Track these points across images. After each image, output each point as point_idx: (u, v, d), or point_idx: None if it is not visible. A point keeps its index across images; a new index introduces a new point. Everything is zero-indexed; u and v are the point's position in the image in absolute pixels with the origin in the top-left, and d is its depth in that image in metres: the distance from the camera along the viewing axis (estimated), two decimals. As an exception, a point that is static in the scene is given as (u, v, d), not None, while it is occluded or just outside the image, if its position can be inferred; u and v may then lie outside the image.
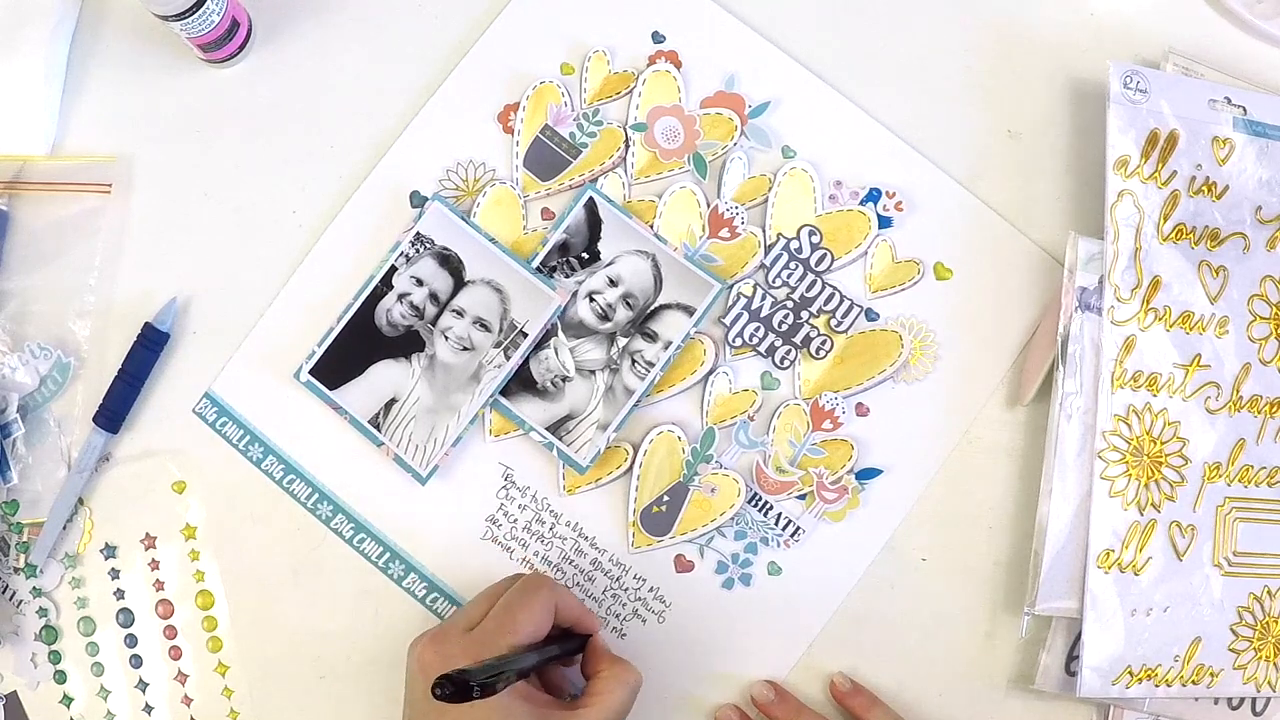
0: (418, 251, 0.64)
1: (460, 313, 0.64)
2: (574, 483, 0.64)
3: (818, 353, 0.64)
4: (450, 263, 0.64)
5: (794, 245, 0.65)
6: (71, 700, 0.63)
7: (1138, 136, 0.63)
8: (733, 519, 0.63)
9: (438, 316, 0.64)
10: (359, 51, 0.68)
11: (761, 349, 0.64)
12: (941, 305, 0.65)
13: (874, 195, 0.66)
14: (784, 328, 0.65)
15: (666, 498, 0.63)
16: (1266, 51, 0.69)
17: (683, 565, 0.64)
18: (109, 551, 0.64)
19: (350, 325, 0.64)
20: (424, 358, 0.64)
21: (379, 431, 0.63)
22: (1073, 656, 0.62)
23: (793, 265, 0.65)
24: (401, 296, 0.64)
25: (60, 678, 0.63)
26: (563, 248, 0.65)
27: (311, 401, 0.64)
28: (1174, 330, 0.63)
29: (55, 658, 0.63)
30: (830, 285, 0.65)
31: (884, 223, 0.65)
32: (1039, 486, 0.64)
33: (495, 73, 0.67)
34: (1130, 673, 0.61)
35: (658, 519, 0.63)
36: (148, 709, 0.63)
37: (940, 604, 0.64)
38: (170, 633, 0.63)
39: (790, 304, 0.65)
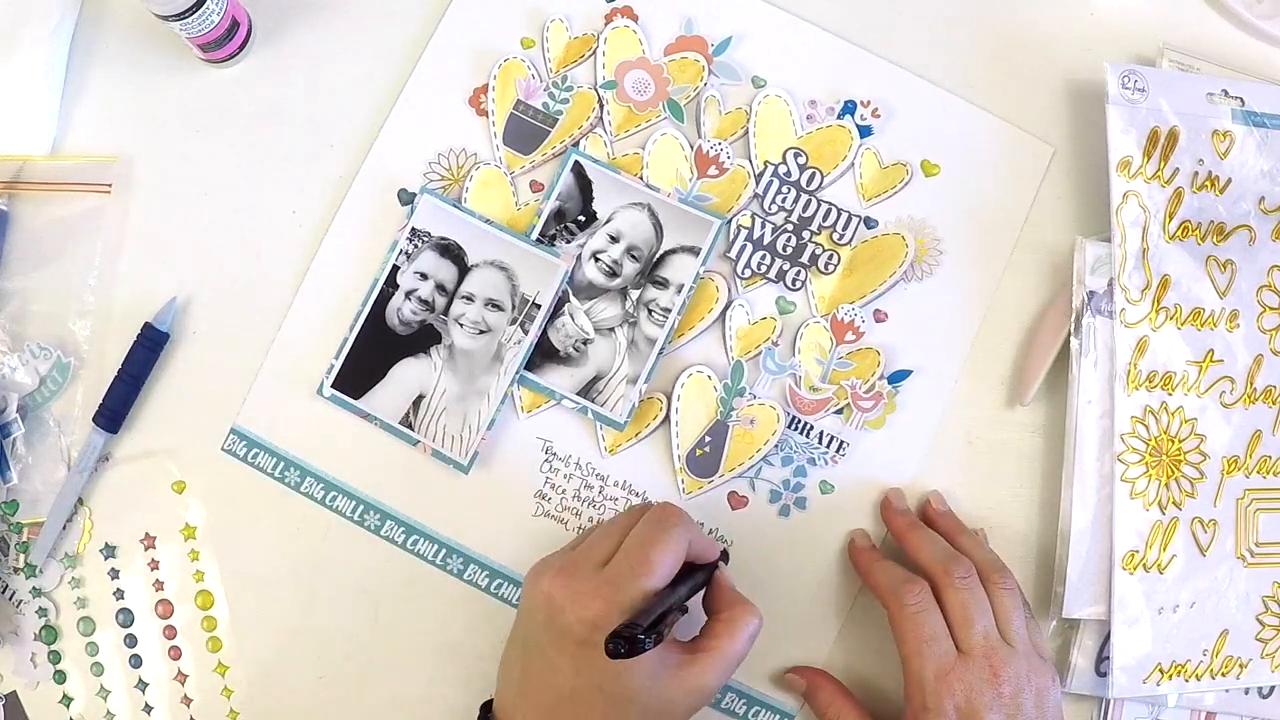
0: (416, 247, 0.64)
1: (470, 298, 0.64)
2: (615, 442, 0.64)
3: (826, 268, 0.65)
4: (451, 251, 0.64)
5: (782, 170, 0.65)
6: (71, 700, 0.63)
7: (1139, 136, 0.63)
8: (777, 446, 0.63)
9: (448, 306, 0.64)
10: (358, 51, 0.68)
11: (771, 275, 0.65)
12: (935, 200, 0.66)
13: (850, 107, 0.66)
14: (789, 250, 0.65)
15: (708, 438, 0.64)
16: (1266, 51, 0.68)
17: (737, 501, 0.64)
18: (109, 551, 0.64)
19: (363, 332, 0.64)
20: (443, 349, 0.64)
21: (412, 430, 0.63)
22: (1103, 657, 0.62)
23: (785, 189, 0.65)
24: (409, 293, 0.64)
25: (60, 678, 0.63)
26: (558, 215, 0.65)
27: (339, 414, 0.64)
28: (1185, 328, 0.63)
29: (55, 658, 0.63)
30: (825, 202, 0.65)
31: (864, 132, 0.66)
32: (1041, 485, 0.64)
33: (458, 59, 0.67)
34: (1161, 670, 0.61)
35: (703, 461, 0.63)
36: (147, 709, 0.63)
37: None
38: (170, 633, 0.63)
39: (790, 227, 0.65)
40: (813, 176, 0.66)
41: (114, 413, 0.63)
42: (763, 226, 0.65)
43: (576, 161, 0.65)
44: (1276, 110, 0.64)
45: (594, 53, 0.67)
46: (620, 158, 0.66)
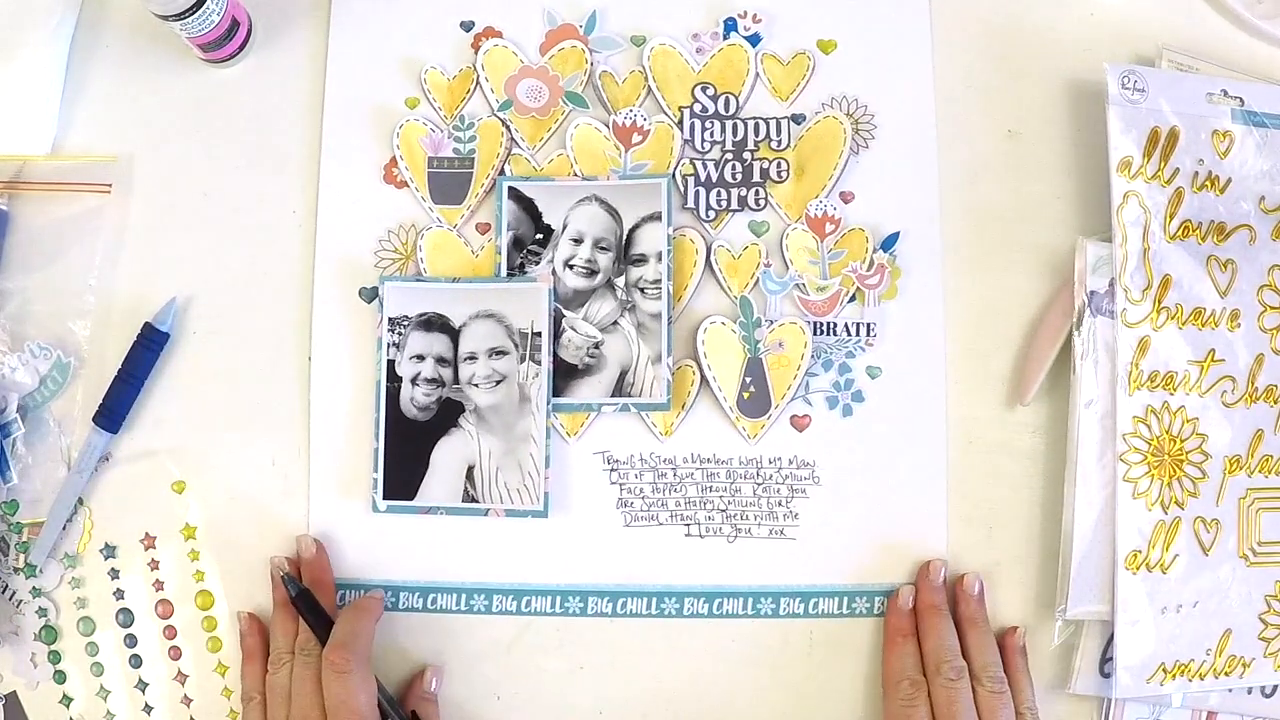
0: (400, 333, 0.64)
1: (473, 356, 0.63)
2: (667, 423, 0.64)
3: (779, 176, 0.66)
4: (435, 324, 0.64)
5: (697, 108, 0.66)
6: (71, 700, 0.63)
7: (1139, 136, 0.63)
8: (814, 356, 0.64)
9: (456, 374, 0.64)
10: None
11: (733, 205, 0.66)
12: (846, 70, 0.67)
13: (731, 24, 0.67)
14: (738, 177, 0.66)
15: (748, 379, 0.64)
16: (1267, 51, 0.68)
17: (800, 423, 0.64)
18: (109, 551, 0.64)
19: (388, 434, 0.63)
20: (470, 415, 0.63)
21: (477, 503, 0.63)
22: (1106, 658, 0.62)
23: (708, 124, 0.66)
24: (413, 380, 0.64)
25: (60, 678, 0.63)
26: (516, 243, 0.65)
27: (403, 519, 0.64)
28: (1186, 327, 0.63)
29: (55, 658, 0.63)
30: (749, 119, 0.66)
31: (754, 40, 0.67)
32: (1042, 485, 0.64)
33: (355, 145, 0.66)
34: (1164, 670, 0.61)
35: (754, 401, 0.64)
36: (147, 709, 0.63)
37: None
38: (170, 633, 0.63)
39: (729, 155, 0.66)
40: (727, 102, 0.66)
41: (114, 413, 0.63)
42: (704, 167, 0.66)
43: (510, 188, 0.65)
44: (1276, 110, 0.64)
45: (477, 82, 0.67)
46: (548, 165, 0.66)
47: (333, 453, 0.64)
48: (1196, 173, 0.63)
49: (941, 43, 0.67)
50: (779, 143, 0.66)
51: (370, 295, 0.65)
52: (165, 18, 0.61)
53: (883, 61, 0.67)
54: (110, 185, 0.66)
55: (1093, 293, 0.62)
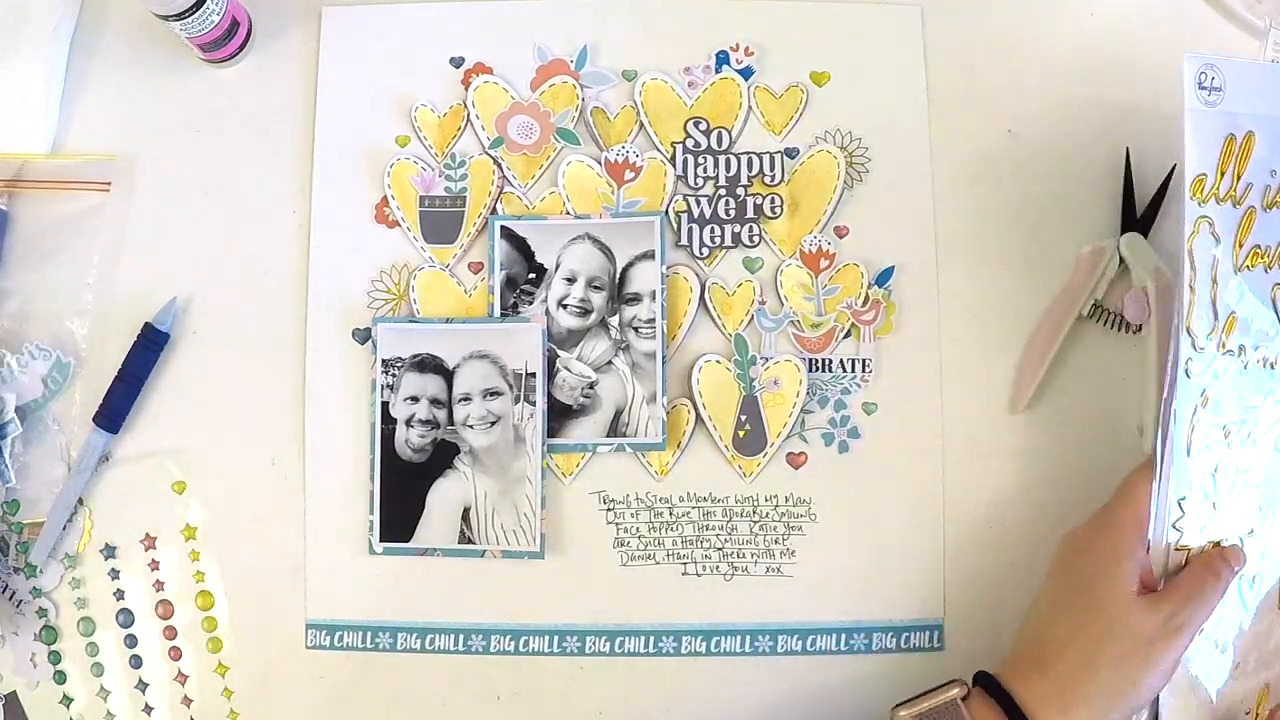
0: (394, 375, 0.64)
1: (467, 397, 0.63)
2: (662, 463, 0.64)
3: (773, 212, 0.65)
4: (429, 365, 0.64)
5: (690, 144, 0.66)
6: (71, 700, 0.63)
7: (1213, 148, 0.53)
8: (809, 393, 0.64)
9: (450, 415, 0.64)
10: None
11: (727, 242, 0.65)
12: (839, 103, 0.67)
13: (723, 57, 0.67)
14: (732, 213, 0.66)
15: (744, 417, 0.64)
16: (1267, 51, 0.68)
17: (796, 461, 0.64)
18: (109, 551, 0.64)
19: (384, 477, 0.63)
20: (465, 456, 0.63)
21: (474, 544, 0.63)
22: None
23: (701, 159, 0.66)
24: (408, 422, 0.64)
25: (60, 678, 0.63)
26: (509, 282, 0.65)
27: (399, 561, 0.64)
28: (1250, 371, 0.55)
29: (55, 658, 0.63)
30: (742, 153, 0.66)
31: (746, 74, 0.67)
32: (1043, 486, 0.64)
33: (346, 184, 0.66)
34: None
35: (749, 440, 0.64)
36: (147, 709, 0.63)
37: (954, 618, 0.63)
38: (170, 633, 0.63)
39: (722, 190, 0.66)
40: (720, 136, 0.66)
41: (114, 413, 0.63)
42: (698, 203, 0.66)
43: (502, 227, 0.65)
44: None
45: (468, 119, 0.66)
46: (539, 204, 0.66)
47: (329, 495, 0.64)
48: (1269, 186, 0.55)
49: (938, 46, 0.67)
50: (773, 178, 0.66)
51: (363, 336, 0.65)
52: (165, 18, 0.61)
53: (876, 92, 0.66)
54: (110, 184, 0.66)
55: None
